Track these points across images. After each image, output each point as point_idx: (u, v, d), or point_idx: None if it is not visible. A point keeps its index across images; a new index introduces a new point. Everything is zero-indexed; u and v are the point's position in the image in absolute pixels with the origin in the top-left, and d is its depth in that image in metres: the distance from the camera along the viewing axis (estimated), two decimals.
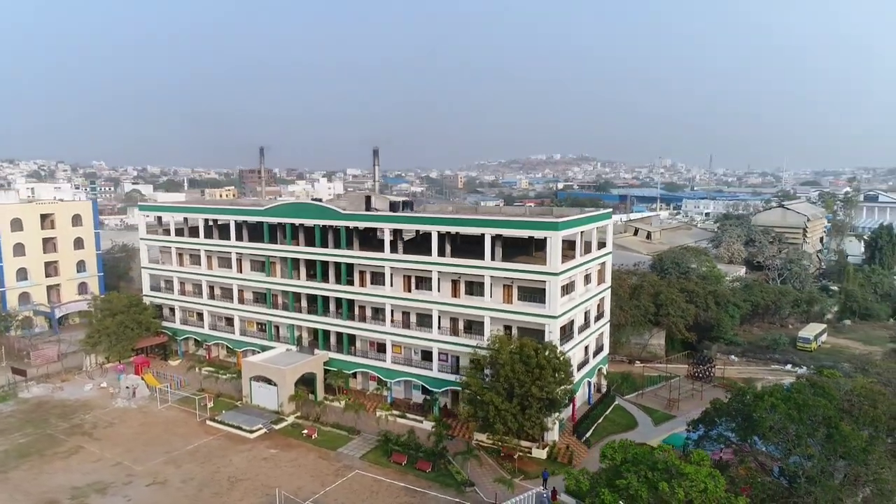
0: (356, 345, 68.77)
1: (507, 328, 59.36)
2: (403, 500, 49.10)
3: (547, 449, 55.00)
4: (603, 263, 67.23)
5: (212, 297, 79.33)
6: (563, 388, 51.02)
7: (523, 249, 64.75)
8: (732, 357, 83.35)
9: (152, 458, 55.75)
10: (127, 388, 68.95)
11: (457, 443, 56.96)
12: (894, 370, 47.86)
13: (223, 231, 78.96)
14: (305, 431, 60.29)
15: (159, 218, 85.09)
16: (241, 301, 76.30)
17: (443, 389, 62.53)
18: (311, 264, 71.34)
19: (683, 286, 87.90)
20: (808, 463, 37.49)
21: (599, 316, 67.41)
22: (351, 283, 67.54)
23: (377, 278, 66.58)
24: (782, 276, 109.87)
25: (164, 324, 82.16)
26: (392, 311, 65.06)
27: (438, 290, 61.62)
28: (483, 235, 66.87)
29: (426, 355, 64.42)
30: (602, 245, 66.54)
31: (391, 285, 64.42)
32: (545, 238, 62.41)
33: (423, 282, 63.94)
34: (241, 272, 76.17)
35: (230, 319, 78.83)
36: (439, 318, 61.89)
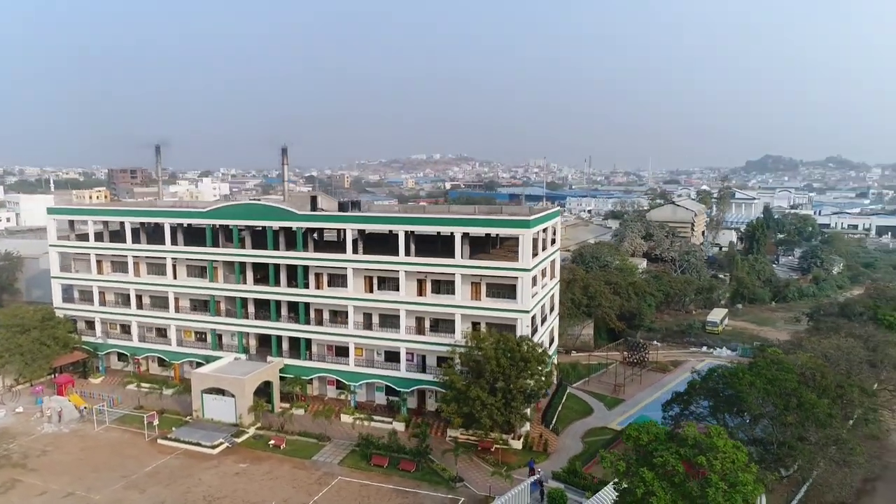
0: (312, 349, 66.82)
1: (475, 324, 60.49)
2: (397, 501, 48.83)
3: (521, 439, 56.85)
4: (553, 260, 70.36)
5: (140, 306, 73.38)
6: (544, 378, 53.08)
7: (480, 247, 66.26)
8: (655, 342, 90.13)
9: (108, 484, 51.03)
10: (59, 411, 62.34)
11: (430, 441, 57.09)
12: (826, 345, 54.76)
13: (152, 235, 73.46)
14: (272, 442, 57.85)
15: (71, 222, 77.15)
16: (178, 309, 71.33)
17: (411, 389, 62.48)
18: (257, 268, 68.35)
19: (607, 279, 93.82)
20: (784, 430, 42.12)
21: (552, 309, 70.50)
22: (307, 285, 65.55)
23: (335, 280, 65.25)
24: (681, 267, 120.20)
25: (83, 338, 74.77)
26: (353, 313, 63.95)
27: (404, 291, 61.53)
28: (440, 233, 68.57)
29: (389, 356, 64.09)
30: (553, 242, 69.60)
31: (353, 286, 63.36)
32: (498, 235, 65.11)
33: (385, 282, 63.56)
34: (175, 279, 71.21)
35: (162, 330, 73.54)
36: (406, 317, 61.80)
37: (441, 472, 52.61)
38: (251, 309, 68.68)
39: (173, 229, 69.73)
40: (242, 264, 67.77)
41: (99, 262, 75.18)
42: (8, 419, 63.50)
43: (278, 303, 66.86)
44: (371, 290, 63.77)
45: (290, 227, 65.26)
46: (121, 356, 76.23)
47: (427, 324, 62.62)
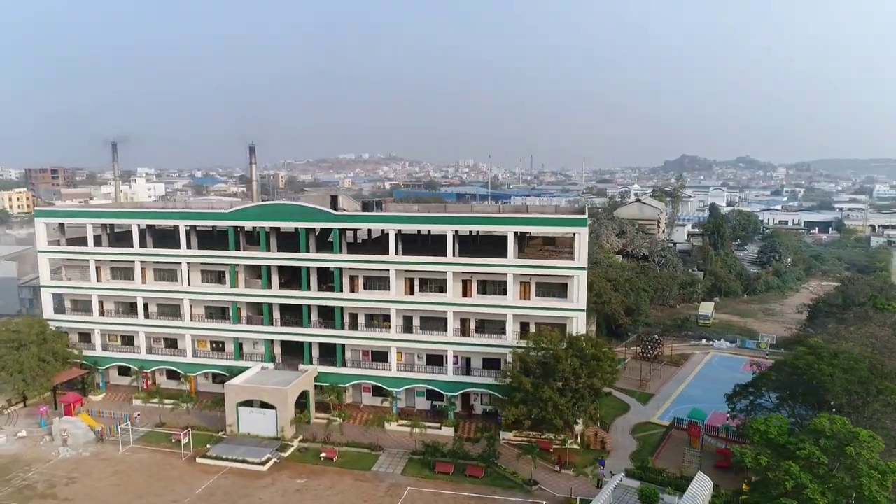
0: (345, 355, 63.99)
1: (524, 325, 59.82)
2: None
3: (578, 438, 56.62)
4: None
5: (146, 315, 67.86)
6: (612, 376, 53.07)
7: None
8: (656, 337, 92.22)
9: None
10: (99, 431, 56.99)
11: (480, 444, 55.60)
12: (864, 335, 57.62)
13: (160, 239, 68.37)
14: (324, 455, 54.92)
15: (61, 225, 70.48)
16: (192, 317, 66.51)
17: (458, 392, 60.99)
18: (282, 271, 64.87)
19: (606, 275, 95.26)
20: (869, 419, 43.79)
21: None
22: (342, 288, 62.75)
23: (370, 283, 62.79)
24: (660, 263, 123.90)
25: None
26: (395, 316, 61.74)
27: (451, 292, 59.99)
28: (471, 233, 67.60)
29: (431, 360, 62.42)
30: None
31: (395, 289, 61.13)
32: (528, 234, 65.00)
33: (426, 283, 61.77)
34: (189, 285, 66.41)
35: (171, 340, 68.47)
36: (453, 319, 60.25)
37: (511, 476, 51.56)
38: (276, 315, 65.02)
39: (187, 232, 64.99)
40: (268, 268, 64.04)
41: (96, 269, 69.12)
42: (12, 445, 57.16)
43: (309, 307, 63.61)
44: (411, 293, 61.75)
45: (325, 229, 62.38)
46: (122, 370, 70.34)
47: (472, 325, 61.28)
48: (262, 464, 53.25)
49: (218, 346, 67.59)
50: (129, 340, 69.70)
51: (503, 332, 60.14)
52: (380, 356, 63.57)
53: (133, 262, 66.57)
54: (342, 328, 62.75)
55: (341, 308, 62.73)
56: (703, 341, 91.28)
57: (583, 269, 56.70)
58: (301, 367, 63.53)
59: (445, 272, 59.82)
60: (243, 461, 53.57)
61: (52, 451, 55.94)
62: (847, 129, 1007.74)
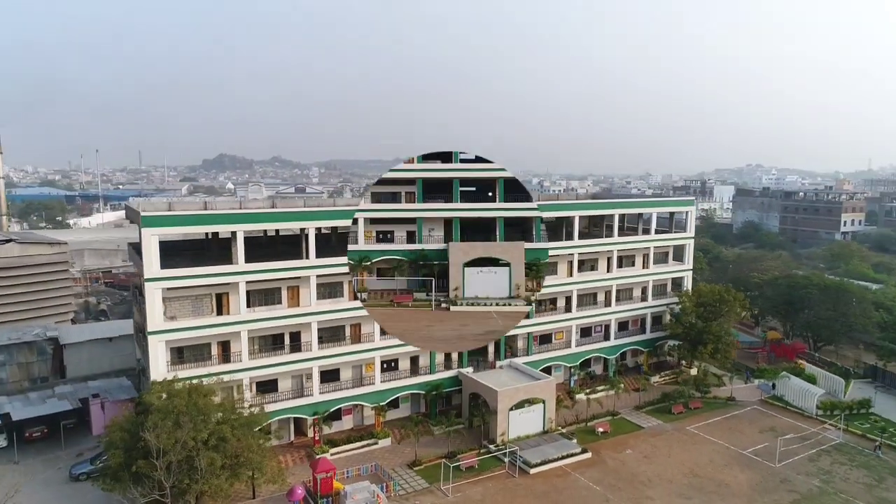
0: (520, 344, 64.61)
1: (643, 289, 73.06)
2: (760, 423, 60.93)
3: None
4: None
5: (292, 347, 52.28)
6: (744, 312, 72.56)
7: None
8: None
9: None
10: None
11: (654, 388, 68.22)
12: None
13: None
14: (601, 430, 58.08)
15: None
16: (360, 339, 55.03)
17: (616, 354, 70.12)
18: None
19: None
20: None
21: None
22: None
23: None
24: None
25: None
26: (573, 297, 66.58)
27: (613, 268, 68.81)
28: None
29: (583, 332, 69.37)
30: None
31: (566, 272, 65.93)
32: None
33: (582, 264, 68.16)
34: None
35: (330, 372, 54.76)
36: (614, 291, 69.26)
37: (715, 399, 66.40)
38: None
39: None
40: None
41: (219, 297, 49.14)
42: None
43: None
44: (571, 274, 67.30)
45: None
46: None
47: (613, 295, 70.69)
48: (584, 451, 53.50)
49: (389, 366, 57.58)
50: (266, 386, 51.96)
51: (630, 298, 72.18)
52: (544, 339, 66.70)
53: (304, 278, 50.73)
54: (528, 317, 63.56)
55: None
56: None
57: (692, 237, 74.08)
58: (498, 363, 61.47)
59: (599, 252, 68.35)
60: (568, 455, 52.60)
61: None
62: (345, 134, 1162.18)
